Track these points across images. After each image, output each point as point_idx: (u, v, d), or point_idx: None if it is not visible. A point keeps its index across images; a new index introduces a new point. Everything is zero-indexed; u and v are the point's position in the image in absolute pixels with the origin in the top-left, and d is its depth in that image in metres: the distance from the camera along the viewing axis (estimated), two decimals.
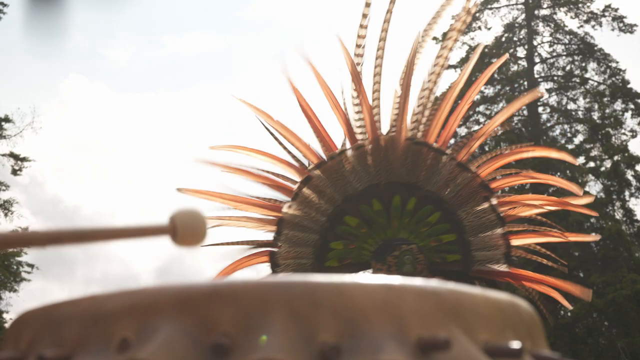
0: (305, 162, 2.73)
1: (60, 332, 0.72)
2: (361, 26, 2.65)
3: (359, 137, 2.68)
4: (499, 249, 2.66)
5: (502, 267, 2.67)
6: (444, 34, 2.85)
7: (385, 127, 2.72)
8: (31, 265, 18.61)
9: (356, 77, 2.64)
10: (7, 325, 18.41)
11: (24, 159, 19.56)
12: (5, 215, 18.78)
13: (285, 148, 2.69)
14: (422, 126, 2.68)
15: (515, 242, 2.75)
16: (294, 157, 2.73)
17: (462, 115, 2.79)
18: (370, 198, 2.63)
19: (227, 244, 2.76)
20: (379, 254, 2.54)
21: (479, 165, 2.72)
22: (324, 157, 2.69)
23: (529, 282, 2.82)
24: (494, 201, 2.68)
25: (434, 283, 0.74)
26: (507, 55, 3.64)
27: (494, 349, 0.71)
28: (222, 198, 2.74)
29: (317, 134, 2.72)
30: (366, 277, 0.72)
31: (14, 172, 19.47)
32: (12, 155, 19.45)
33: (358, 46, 2.71)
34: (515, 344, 0.71)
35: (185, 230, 0.83)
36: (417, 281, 0.74)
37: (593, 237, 3.47)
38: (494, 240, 2.67)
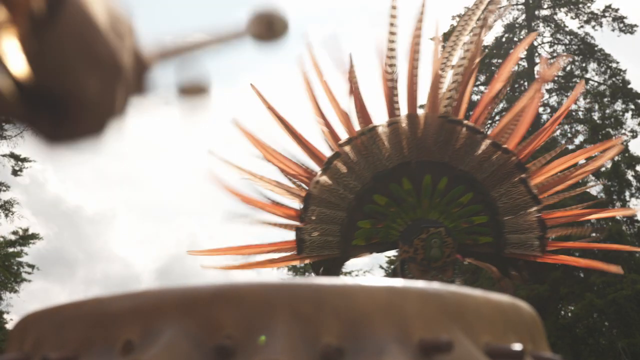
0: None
1: (65, 334, 0.72)
2: (393, 7, 2.57)
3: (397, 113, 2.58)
4: (533, 232, 2.58)
5: (536, 250, 2.57)
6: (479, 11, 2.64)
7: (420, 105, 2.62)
8: (32, 266, 18.60)
9: (390, 54, 2.55)
10: (7, 325, 18.42)
11: (24, 160, 19.56)
12: (6, 216, 18.79)
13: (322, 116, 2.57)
14: (456, 104, 2.58)
15: (551, 223, 2.63)
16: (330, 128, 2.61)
17: (494, 92, 2.69)
18: (401, 177, 2.54)
19: (256, 204, 2.67)
20: (407, 236, 2.46)
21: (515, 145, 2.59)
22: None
23: (563, 262, 2.74)
24: (529, 182, 2.58)
25: (436, 285, 0.75)
26: (535, 34, 3.47)
27: (495, 350, 0.71)
28: (264, 150, 2.63)
29: (357, 107, 2.62)
30: (369, 280, 0.73)
31: (15, 173, 19.48)
32: (13, 155, 19.46)
33: (392, 25, 2.61)
34: (517, 346, 0.72)
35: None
36: (420, 284, 0.74)
37: (630, 211, 3.23)
38: (528, 222, 2.58)
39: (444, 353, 0.67)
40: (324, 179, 2.59)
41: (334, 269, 2.64)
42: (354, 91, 2.62)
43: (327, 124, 2.61)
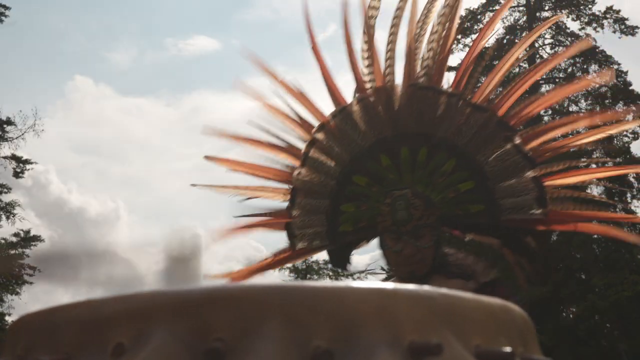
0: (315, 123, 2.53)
1: (57, 337, 0.73)
2: None
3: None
4: (530, 194, 2.36)
5: (537, 214, 2.36)
6: None
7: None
8: (33, 268, 18.64)
9: (368, 28, 2.44)
10: (8, 327, 18.46)
11: (26, 161, 19.60)
12: (7, 218, 18.81)
13: (292, 109, 2.49)
14: (434, 72, 2.45)
15: (550, 183, 2.41)
16: (301, 118, 2.54)
17: (477, 53, 2.52)
18: (378, 153, 2.40)
19: (245, 215, 2.60)
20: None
21: (497, 102, 2.42)
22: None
23: (573, 223, 2.50)
24: (518, 140, 2.38)
25: (427, 288, 0.75)
26: (561, 16, 2.99)
27: (485, 353, 0.72)
28: (243, 167, 2.56)
29: (329, 89, 2.52)
30: (360, 283, 0.73)
31: (16, 175, 19.51)
32: (14, 157, 19.49)
33: None
34: (507, 349, 0.72)
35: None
36: (410, 286, 0.74)
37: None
38: (523, 184, 2.37)
39: (434, 356, 0.67)
40: (304, 170, 2.52)
41: (340, 261, 2.55)
42: (322, 70, 2.53)
43: (293, 120, 2.53)
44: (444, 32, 2.43)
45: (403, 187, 2.31)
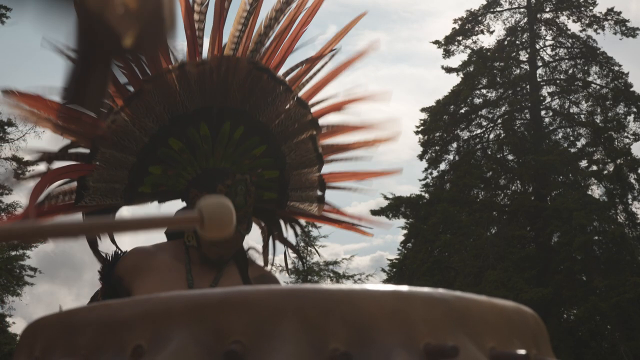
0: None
1: (75, 339, 0.73)
2: None
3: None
4: (314, 190, 2.49)
5: (314, 209, 2.49)
6: None
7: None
8: (34, 269, 18.63)
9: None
10: (10, 328, 18.45)
11: (27, 163, 19.60)
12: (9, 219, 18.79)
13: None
14: (264, 50, 2.39)
15: (330, 183, 2.54)
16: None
17: (297, 40, 2.51)
18: (199, 121, 2.34)
19: (41, 154, 2.37)
20: (205, 182, 2.26)
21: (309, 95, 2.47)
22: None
23: (338, 224, 2.58)
24: (318, 139, 2.48)
25: (441, 290, 0.75)
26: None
27: (500, 356, 0.72)
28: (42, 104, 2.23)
29: (187, 41, 2.37)
30: (375, 285, 0.74)
31: (17, 176, 19.50)
32: (15, 158, 19.51)
33: None
34: (522, 351, 0.73)
35: (212, 220, 0.87)
36: (425, 289, 0.75)
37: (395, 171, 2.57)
38: (311, 180, 2.48)
39: (449, 358, 0.68)
40: (120, 118, 2.28)
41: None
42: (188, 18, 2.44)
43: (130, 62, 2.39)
44: (290, 11, 2.39)
45: (239, 171, 2.29)
